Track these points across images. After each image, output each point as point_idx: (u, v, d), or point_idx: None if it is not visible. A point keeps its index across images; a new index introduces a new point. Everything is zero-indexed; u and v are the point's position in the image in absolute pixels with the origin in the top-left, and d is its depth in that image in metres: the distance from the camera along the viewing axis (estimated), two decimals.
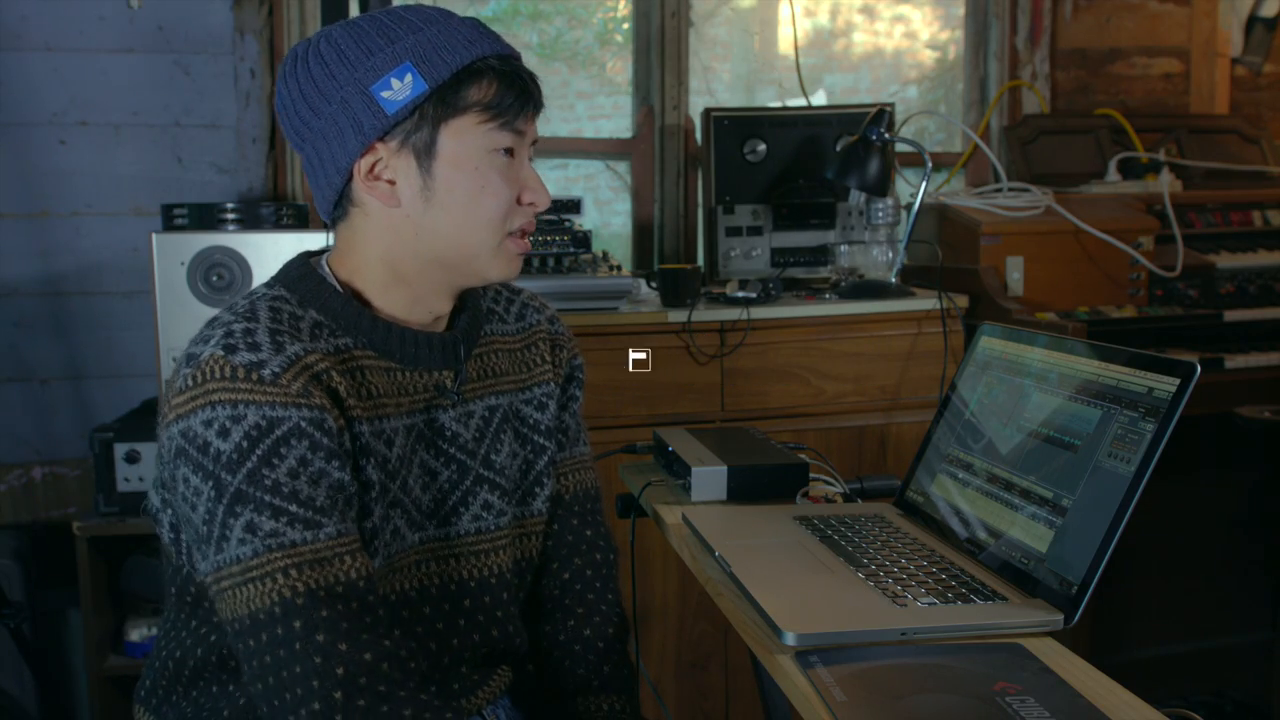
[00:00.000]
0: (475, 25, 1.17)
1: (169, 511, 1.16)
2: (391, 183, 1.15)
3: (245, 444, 1.04)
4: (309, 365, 1.09)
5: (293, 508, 1.05)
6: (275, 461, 1.05)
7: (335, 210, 1.20)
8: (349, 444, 1.12)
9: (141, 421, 2.42)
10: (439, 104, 1.14)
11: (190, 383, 1.07)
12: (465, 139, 1.15)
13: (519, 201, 1.19)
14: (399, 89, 1.12)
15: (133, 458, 2.33)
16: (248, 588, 1.04)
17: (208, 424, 1.05)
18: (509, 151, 1.18)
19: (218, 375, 1.06)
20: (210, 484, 1.05)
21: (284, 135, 1.21)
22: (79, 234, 2.71)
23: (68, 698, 2.74)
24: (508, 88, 1.16)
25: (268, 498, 1.04)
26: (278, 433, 1.05)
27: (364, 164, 1.15)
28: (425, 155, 1.15)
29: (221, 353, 1.07)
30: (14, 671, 2.51)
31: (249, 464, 1.04)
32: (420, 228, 1.17)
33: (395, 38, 1.13)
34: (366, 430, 1.14)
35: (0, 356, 2.69)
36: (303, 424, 1.06)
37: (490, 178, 1.16)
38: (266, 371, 1.06)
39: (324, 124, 1.14)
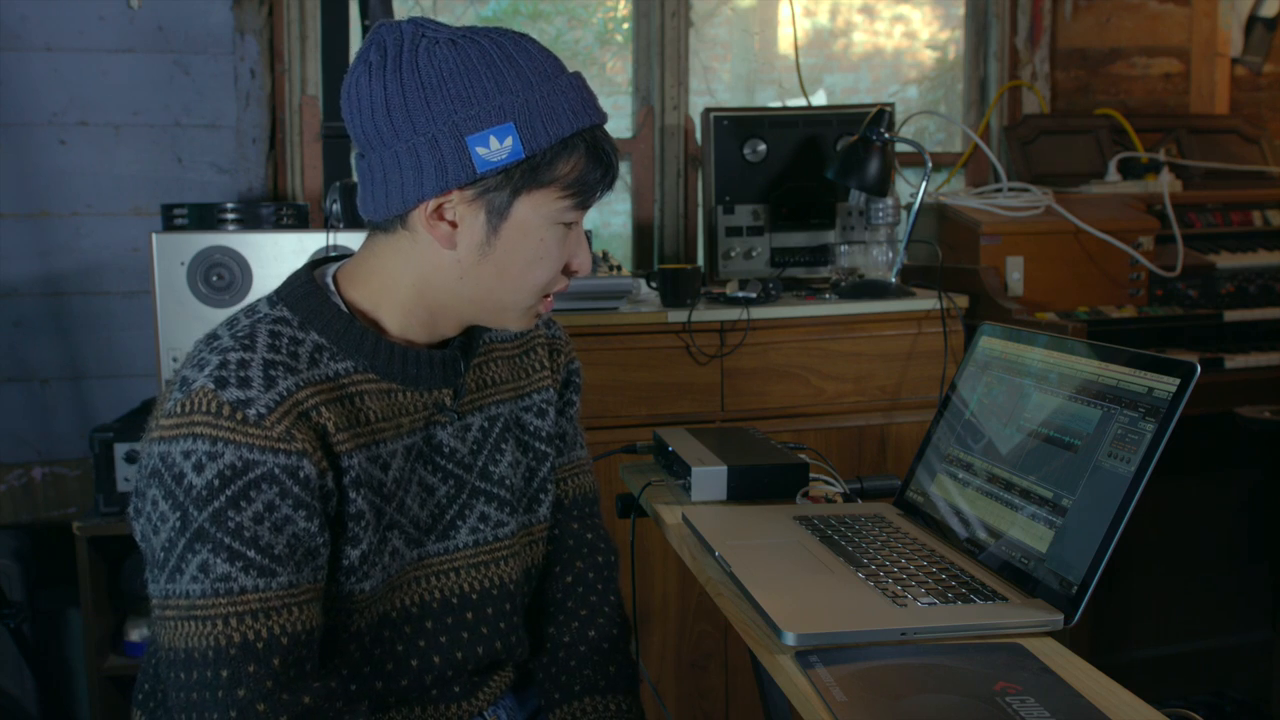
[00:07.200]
0: (580, 88, 1.12)
1: (140, 520, 1.16)
2: (454, 225, 1.12)
3: (217, 482, 1.04)
4: (299, 402, 1.09)
5: (250, 553, 1.05)
6: (243, 504, 1.05)
7: (383, 222, 1.16)
8: (331, 483, 1.11)
9: (141, 421, 2.40)
10: (528, 172, 1.10)
11: (178, 409, 1.07)
12: (539, 210, 1.12)
13: (564, 269, 1.19)
14: (496, 150, 1.08)
15: (133, 458, 2.33)
16: (189, 624, 1.05)
17: (186, 455, 1.05)
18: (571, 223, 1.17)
19: (203, 409, 1.05)
20: (177, 514, 1.05)
21: (352, 132, 1.13)
22: (79, 234, 2.71)
23: (68, 698, 2.74)
24: (594, 166, 1.12)
25: (227, 540, 1.04)
26: (251, 475, 1.05)
27: (432, 203, 1.11)
28: (497, 215, 1.12)
29: (212, 385, 1.06)
30: (14, 671, 2.51)
31: (217, 503, 1.04)
32: (466, 273, 1.15)
33: (504, 88, 1.08)
34: (360, 459, 1.13)
35: (0, 356, 2.69)
36: (276, 470, 1.06)
37: (550, 248, 1.15)
38: (252, 411, 1.05)
39: (402, 149, 1.09)
